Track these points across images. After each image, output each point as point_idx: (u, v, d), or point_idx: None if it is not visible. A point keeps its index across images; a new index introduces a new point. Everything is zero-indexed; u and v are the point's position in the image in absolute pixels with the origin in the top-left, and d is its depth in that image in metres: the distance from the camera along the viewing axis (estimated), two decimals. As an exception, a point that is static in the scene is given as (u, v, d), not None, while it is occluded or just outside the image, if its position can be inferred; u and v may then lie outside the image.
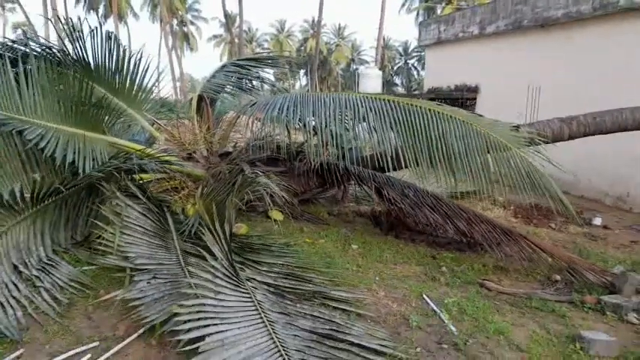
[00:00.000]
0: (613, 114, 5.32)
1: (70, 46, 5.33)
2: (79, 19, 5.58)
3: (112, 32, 5.78)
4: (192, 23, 44.59)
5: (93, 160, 4.60)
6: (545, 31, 9.32)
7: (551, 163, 4.20)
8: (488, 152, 4.10)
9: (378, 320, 3.14)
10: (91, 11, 37.40)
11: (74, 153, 4.19)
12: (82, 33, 5.38)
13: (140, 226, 3.68)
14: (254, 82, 7.44)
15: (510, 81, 9.84)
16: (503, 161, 4.07)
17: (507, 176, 4.09)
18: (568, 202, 4.11)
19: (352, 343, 2.68)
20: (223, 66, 7.35)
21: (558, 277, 4.22)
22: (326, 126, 4.49)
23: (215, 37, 50.57)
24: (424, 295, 3.59)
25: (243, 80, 7.28)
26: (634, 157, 7.25)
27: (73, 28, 5.34)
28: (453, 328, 3.09)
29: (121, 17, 36.02)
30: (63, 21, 5.48)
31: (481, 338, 3.00)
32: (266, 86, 7.94)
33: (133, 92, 6.09)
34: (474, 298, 3.60)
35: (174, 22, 39.92)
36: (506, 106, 8.86)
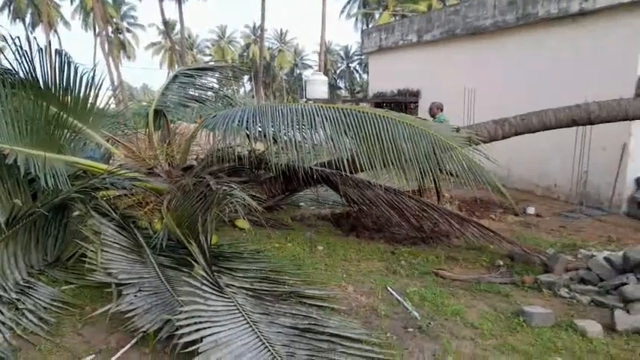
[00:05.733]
0: (539, 115, 6.01)
1: (18, 66, 5.25)
2: (28, 38, 5.50)
3: (61, 50, 5.73)
4: (128, 31, 43.14)
5: (53, 179, 4.60)
6: (476, 38, 10.17)
7: (489, 159, 4.79)
8: (435, 152, 4.59)
9: (351, 313, 3.47)
10: (17, 20, 35.21)
11: (44, 175, 4.19)
12: (30, 51, 5.31)
13: (117, 243, 3.79)
14: (209, 93, 7.58)
15: (448, 85, 10.61)
16: (449, 159, 4.58)
17: (453, 172, 4.61)
18: (505, 191, 4.72)
19: (331, 334, 2.99)
20: (175, 76, 7.41)
21: (501, 262, 4.79)
22: (286, 134, 4.78)
23: (154, 44, 49.20)
24: (388, 287, 3.98)
25: (197, 90, 7.40)
26: (557, 152, 8.12)
27: (21, 47, 5.26)
28: (416, 314, 3.49)
29: (50, 26, 34.17)
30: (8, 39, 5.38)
31: (440, 320, 3.42)
32: (220, 95, 8.05)
33: (87, 109, 6.06)
34: (431, 287, 4.04)
35: (110, 29, 38.40)
36: (445, 108, 9.56)
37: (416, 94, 12.36)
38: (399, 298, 3.78)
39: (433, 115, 7.40)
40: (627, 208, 7.43)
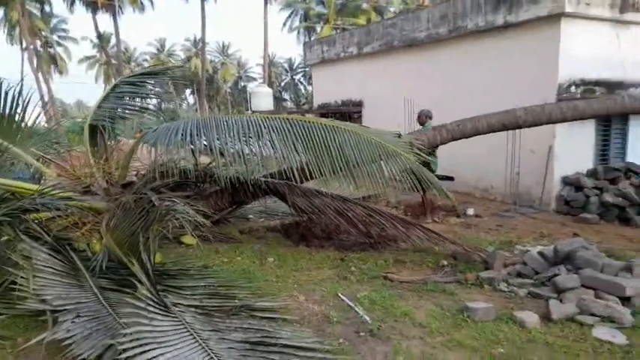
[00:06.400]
0: (472, 120, 6.36)
1: None
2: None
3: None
4: (59, 44, 40.93)
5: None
6: (412, 50, 10.61)
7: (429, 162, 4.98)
8: (381, 158, 4.71)
9: (303, 322, 3.47)
10: None
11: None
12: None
13: (50, 267, 3.56)
14: (151, 101, 7.19)
15: (388, 95, 10.98)
16: (394, 164, 4.71)
17: (398, 177, 4.74)
18: (449, 193, 4.94)
19: (284, 345, 2.96)
20: (115, 86, 6.91)
21: (445, 263, 4.98)
22: (232, 147, 4.71)
23: (88, 58, 46.95)
24: (339, 294, 4.01)
25: (139, 99, 7.03)
26: (492, 155, 8.60)
27: None
28: (367, 318, 3.54)
29: (-30, 39, 31.69)
30: None
31: (391, 322, 3.50)
32: (161, 107, 7.70)
33: (13, 126, 5.68)
34: (380, 290, 4.12)
35: (38, 43, 36.24)
36: (387, 117, 9.88)
37: (359, 104, 12.67)
38: (350, 303, 3.82)
39: (422, 123, 7.22)
40: (555, 205, 7.99)
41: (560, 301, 3.75)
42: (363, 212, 5.33)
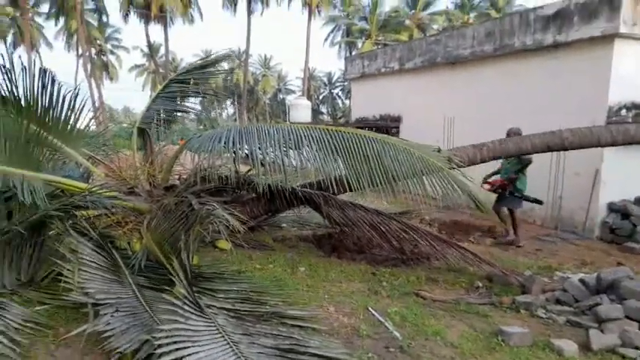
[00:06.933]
0: (515, 140, 6.21)
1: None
2: (11, 57, 5.46)
3: (46, 68, 5.70)
4: (112, 52, 43.13)
5: (31, 196, 4.50)
6: (455, 67, 10.52)
7: (470, 181, 4.87)
8: (422, 172, 4.63)
9: (332, 333, 3.46)
10: (-2, 39, 34.94)
11: (23, 192, 4.10)
12: (13, 68, 5.27)
13: (94, 262, 3.72)
14: (195, 104, 7.28)
15: (428, 111, 10.90)
16: (436, 179, 4.62)
17: (439, 192, 4.63)
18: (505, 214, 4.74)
19: (313, 354, 2.97)
20: (165, 86, 7.13)
21: (480, 284, 4.85)
22: (272, 154, 4.79)
23: (137, 66, 49.21)
24: (369, 308, 3.98)
25: (186, 99, 7.14)
26: (533, 177, 8.34)
27: (4, 65, 5.23)
28: (397, 334, 3.50)
29: (32, 46, 33.94)
30: None
31: (421, 340, 3.44)
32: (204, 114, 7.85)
33: (67, 128, 6.01)
34: (412, 307, 4.06)
35: (93, 51, 38.35)
36: (425, 134, 9.77)
37: (397, 120, 12.63)
38: (380, 318, 3.78)
39: None
40: (600, 232, 7.64)
41: (602, 331, 3.58)
42: (398, 227, 5.28)
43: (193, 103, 7.13)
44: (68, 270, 3.44)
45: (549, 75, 8.41)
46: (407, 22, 35.31)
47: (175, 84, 6.98)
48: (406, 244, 5.47)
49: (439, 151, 5.23)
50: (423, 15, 35.27)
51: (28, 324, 3.23)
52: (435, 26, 34.68)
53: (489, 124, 8.22)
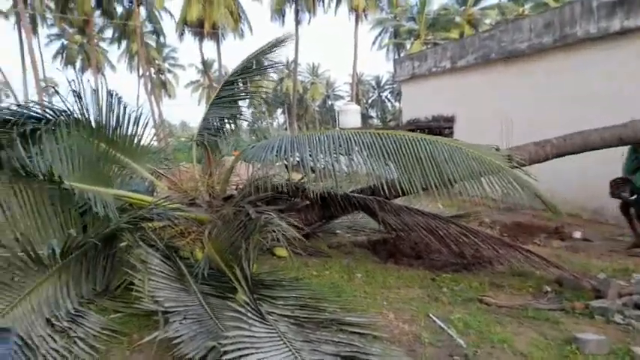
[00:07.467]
0: (582, 135, 5.85)
1: (74, 107, 5.65)
2: (81, 81, 5.90)
3: (113, 90, 6.10)
4: (169, 71, 45.52)
5: (104, 209, 4.82)
6: (511, 62, 10.09)
7: (534, 180, 4.61)
8: (480, 174, 4.46)
9: (393, 340, 3.41)
10: (68, 66, 37.96)
11: (97, 206, 4.41)
12: (83, 92, 5.71)
13: (162, 272, 3.91)
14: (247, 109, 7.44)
15: (483, 109, 10.52)
16: (497, 179, 4.43)
17: (501, 193, 4.43)
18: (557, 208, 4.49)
19: (375, 362, 2.94)
20: (219, 92, 7.34)
21: (548, 288, 4.59)
22: (323, 161, 4.82)
23: (192, 82, 51.61)
24: (430, 315, 3.88)
25: (235, 104, 7.31)
26: (605, 174, 7.80)
27: (77, 91, 5.66)
28: (462, 342, 3.38)
29: (98, 69, 36.58)
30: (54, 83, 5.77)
31: (487, 348, 3.30)
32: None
33: (133, 145, 6.39)
34: (475, 314, 3.91)
35: (152, 70, 40.66)
36: (481, 132, 9.44)
37: (450, 120, 12.31)
38: (442, 325, 3.68)
39: None
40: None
41: (692, 340, 3.26)
42: (457, 231, 5.12)
43: (243, 105, 7.22)
44: (139, 279, 3.64)
45: (615, 64, 7.85)
46: (457, 19, 34.37)
47: (226, 88, 7.18)
48: (466, 248, 5.29)
49: (497, 149, 5.02)
50: (474, 10, 34.17)
51: (104, 331, 3.46)
52: (488, 21, 33.46)
53: (550, 119, 7.83)
